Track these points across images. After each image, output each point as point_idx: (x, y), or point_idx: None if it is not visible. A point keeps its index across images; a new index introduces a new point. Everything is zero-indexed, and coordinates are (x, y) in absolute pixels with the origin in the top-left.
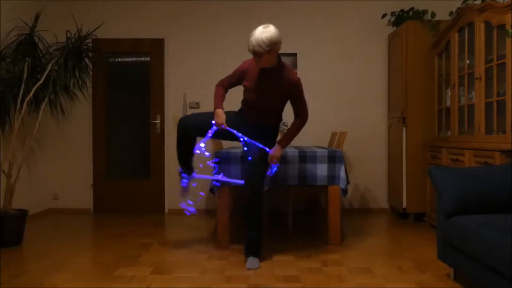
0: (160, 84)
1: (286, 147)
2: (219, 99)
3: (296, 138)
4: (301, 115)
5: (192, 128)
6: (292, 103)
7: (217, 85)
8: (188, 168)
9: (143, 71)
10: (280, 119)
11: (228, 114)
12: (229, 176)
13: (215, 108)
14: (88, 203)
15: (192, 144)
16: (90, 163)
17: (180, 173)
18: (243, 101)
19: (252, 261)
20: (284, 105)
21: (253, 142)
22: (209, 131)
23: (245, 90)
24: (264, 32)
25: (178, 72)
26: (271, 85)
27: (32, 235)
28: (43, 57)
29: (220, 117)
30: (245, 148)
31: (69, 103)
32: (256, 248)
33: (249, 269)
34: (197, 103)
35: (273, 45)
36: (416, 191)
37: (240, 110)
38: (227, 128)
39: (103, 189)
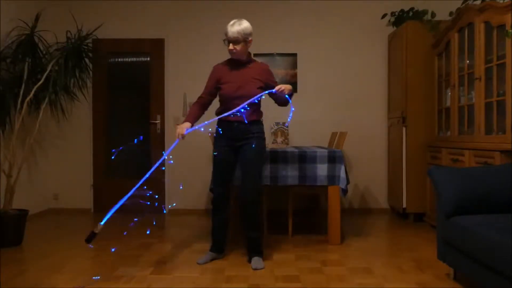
0: (160, 84)
1: (290, 91)
2: (189, 115)
3: (295, 138)
4: None
5: (220, 194)
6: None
7: (194, 103)
8: (218, 245)
9: (143, 71)
10: (260, 113)
11: (216, 140)
12: None
13: (183, 121)
14: (88, 203)
15: (225, 214)
16: (90, 163)
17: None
18: (221, 104)
19: (257, 261)
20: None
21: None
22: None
23: (221, 90)
24: (241, 23)
25: (178, 72)
26: (246, 74)
27: (32, 235)
28: (43, 57)
29: (181, 127)
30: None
31: (69, 103)
32: (258, 247)
33: (255, 269)
34: None
35: (248, 34)
36: (416, 191)
37: (217, 127)
38: (189, 130)
39: (103, 189)
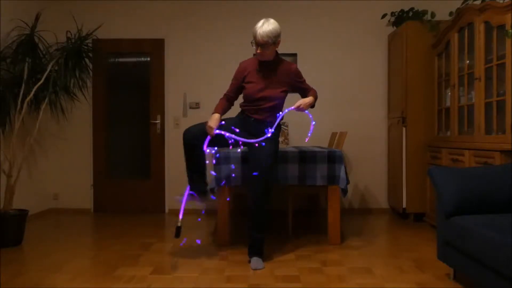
0: (160, 84)
1: (310, 106)
2: (218, 107)
3: (295, 137)
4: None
5: (196, 135)
6: (298, 91)
7: (221, 99)
8: (197, 183)
9: (143, 71)
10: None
11: (229, 119)
12: (230, 176)
13: (213, 113)
14: (88, 203)
15: (201, 154)
16: (90, 163)
17: (191, 185)
18: (244, 100)
19: (257, 262)
20: (284, 98)
21: (248, 140)
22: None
23: (245, 90)
24: (269, 24)
25: (178, 72)
26: (272, 76)
27: (32, 235)
28: (43, 57)
29: (212, 121)
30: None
31: (69, 103)
32: (260, 248)
33: (255, 269)
34: (197, 103)
35: (278, 36)
36: (416, 191)
37: (239, 113)
38: (221, 132)
39: (103, 189)
